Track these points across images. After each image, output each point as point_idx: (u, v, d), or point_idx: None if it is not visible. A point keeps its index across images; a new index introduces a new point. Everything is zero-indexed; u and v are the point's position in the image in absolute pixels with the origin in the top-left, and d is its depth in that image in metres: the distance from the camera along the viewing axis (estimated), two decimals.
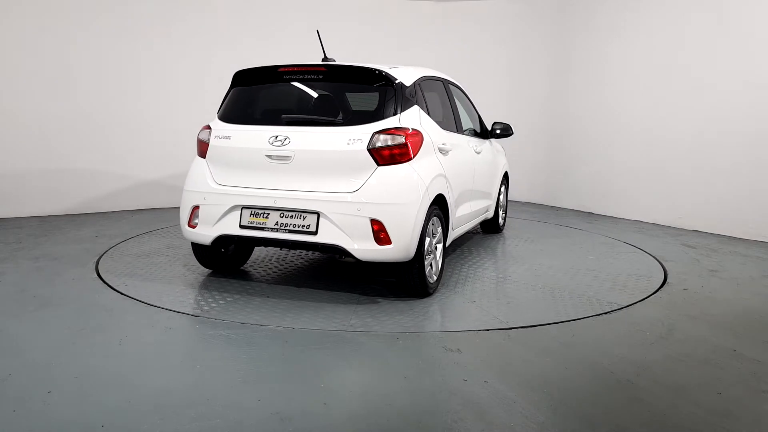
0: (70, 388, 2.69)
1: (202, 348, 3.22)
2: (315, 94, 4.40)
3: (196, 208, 4.16)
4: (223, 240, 4.14)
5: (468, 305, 4.06)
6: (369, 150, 3.82)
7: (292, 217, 3.91)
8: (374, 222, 3.74)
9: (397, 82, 4.14)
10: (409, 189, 3.86)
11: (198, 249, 4.56)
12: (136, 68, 8.19)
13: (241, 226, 4.01)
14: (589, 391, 2.74)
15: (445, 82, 5.27)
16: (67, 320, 3.61)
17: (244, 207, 4.01)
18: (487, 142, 5.92)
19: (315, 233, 3.84)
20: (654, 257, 5.53)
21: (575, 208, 8.68)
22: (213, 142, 4.18)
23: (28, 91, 7.49)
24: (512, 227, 7.16)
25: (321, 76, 4.29)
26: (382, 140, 3.85)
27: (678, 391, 2.73)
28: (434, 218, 4.17)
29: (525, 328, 3.58)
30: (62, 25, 7.63)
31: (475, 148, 5.38)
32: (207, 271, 4.80)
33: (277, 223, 3.93)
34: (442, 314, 3.92)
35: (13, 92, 7.41)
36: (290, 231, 3.89)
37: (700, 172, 6.93)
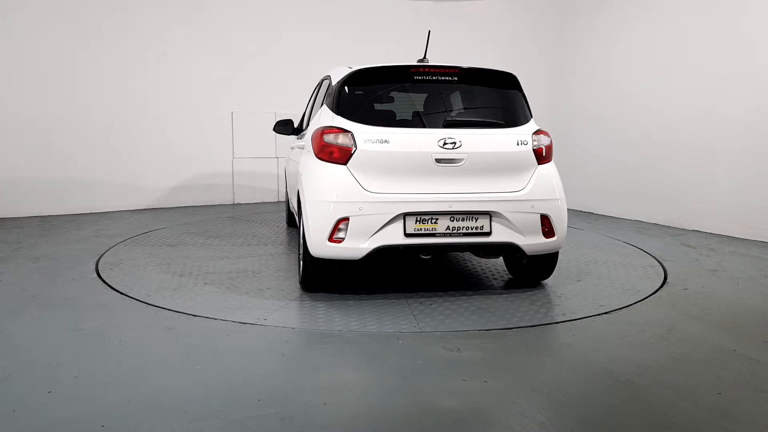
0: (70, 388, 2.69)
1: (202, 348, 3.22)
2: (456, 96, 4.38)
3: (343, 220, 3.77)
4: (378, 253, 3.83)
5: (578, 285, 4.50)
6: (534, 150, 4.09)
7: (463, 219, 3.90)
8: (543, 217, 4.02)
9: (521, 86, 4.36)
10: (561, 185, 4.19)
11: (317, 269, 4.07)
12: (137, 69, 8.20)
13: (407, 235, 3.82)
14: (589, 391, 2.74)
15: None
16: (67, 320, 3.62)
17: (407, 214, 3.82)
18: None
19: (489, 234, 3.93)
20: (654, 257, 5.52)
21: (575, 208, 8.68)
22: (363, 147, 3.84)
23: (29, 91, 7.50)
24: None
25: (455, 78, 4.26)
26: (538, 140, 4.13)
27: (678, 391, 2.73)
28: None
29: (525, 328, 3.58)
30: (62, 26, 7.63)
31: None
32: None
33: (448, 228, 3.88)
34: (585, 299, 4.17)
35: (14, 93, 7.41)
36: (463, 234, 3.90)
37: (700, 173, 6.93)
